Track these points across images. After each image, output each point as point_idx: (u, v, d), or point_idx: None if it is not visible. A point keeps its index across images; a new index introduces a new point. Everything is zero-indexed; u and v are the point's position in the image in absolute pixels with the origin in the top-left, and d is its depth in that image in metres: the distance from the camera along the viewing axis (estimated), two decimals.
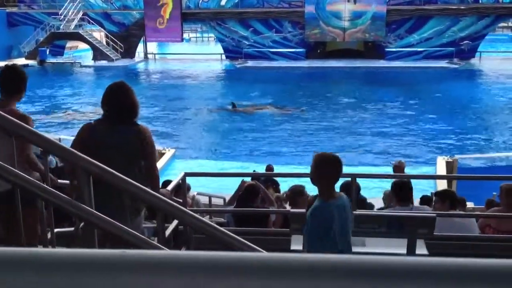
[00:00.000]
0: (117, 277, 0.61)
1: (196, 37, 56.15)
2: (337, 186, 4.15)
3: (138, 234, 2.11)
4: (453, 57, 33.41)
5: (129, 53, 37.23)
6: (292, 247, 4.73)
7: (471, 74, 31.15)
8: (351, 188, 5.70)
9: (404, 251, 4.57)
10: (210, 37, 49.01)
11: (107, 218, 2.06)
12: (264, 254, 0.65)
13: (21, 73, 3.93)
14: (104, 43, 37.28)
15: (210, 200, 8.94)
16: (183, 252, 0.64)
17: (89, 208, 2.07)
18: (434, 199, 6.57)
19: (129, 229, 2.12)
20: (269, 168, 9.86)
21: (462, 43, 33.53)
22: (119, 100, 3.65)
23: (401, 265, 0.64)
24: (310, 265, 0.64)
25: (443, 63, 32.79)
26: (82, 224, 2.17)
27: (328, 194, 3.43)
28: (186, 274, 0.61)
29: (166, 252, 0.66)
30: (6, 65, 4.00)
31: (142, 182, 2.68)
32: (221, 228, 2.28)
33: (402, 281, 0.61)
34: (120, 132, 3.60)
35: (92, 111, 21.32)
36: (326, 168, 3.43)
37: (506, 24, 47.31)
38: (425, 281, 0.61)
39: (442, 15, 33.49)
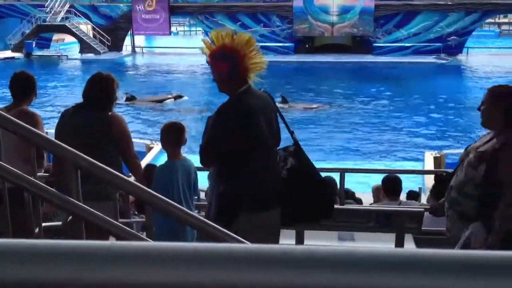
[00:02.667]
0: (106, 269, 0.60)
1: (184, 30, 55.93)
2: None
3: (128, 228, 2.10)
4: (440, 52, 33.62)
5: (116, 46, 36.99)
6: (281, 242, 4.73)
7: (458, 70, 31.39)
8: (341, 182, 5.72)
9: (393, 245, 4.58)
10: (198, 30, 48.86)
11: (95, 212, 2.04)
12: (250, 245, 0.64)
13: (29, 78, 4.14)
14: (91, 36, 37.02)
15: (198, 195, 8.91)
16: (170, 244, 0.63)
17: (77, 202, 2.05)
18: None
19: (117, 223, 2.10)
20: None
21: (449, 38, 33.75)
22: (96, 88, 3.86)
23: (385, 257, 0.63)
24: (296, 256, 0.63)
25: (430, 59, 32.98)
26: (70, 218, 2.15)
27: (173, 155, 3.99)
28: (173, 265, 0.60)
29: (154, 243, 0.65)
30: (15, 72, 4.22)
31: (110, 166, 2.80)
32: (207, 221, 2.27)
33: (387, 272, 0.61)
34: (87, 116, 3.76)
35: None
36: (171, 133, 3.99)
37: (493, 20, 47.64)
38: (406, 272, 0.61)
39: (430, 11, 33.67)
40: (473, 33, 34.95)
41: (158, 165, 4.18)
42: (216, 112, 3.15)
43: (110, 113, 3.82)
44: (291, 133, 3.47)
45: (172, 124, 4.15)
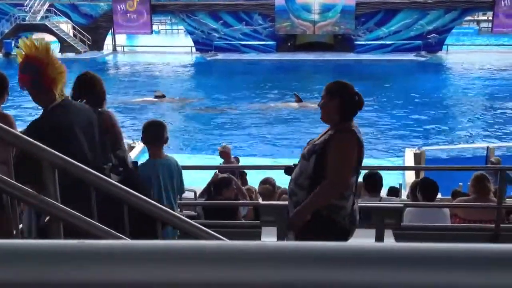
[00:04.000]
0: (75, 268, 0.60)
1: (166, 29, 55.61)
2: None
3: (107, 228, 2.09)
4: (420, 50, 33.89)
5: (97, 45, 36.67)
6: (263, 239, 4.75)
7: (438, 67, 31.67)
8: None
9: (373, 241, 4.63)
10: (180, 29, 48.65)
11: (73, 212, 2.03)
12: (224, 242, 0.65)
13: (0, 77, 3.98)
14: (72, 35, 36.65)
15: None
16: (141, 242, 0.63)
17: (55, 202, 2.04)
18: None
19: (97, 223, 2.10)
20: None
21: (429, 36, 34.04)
22: (82, 89, 3.84)
23: (362, 252, 0.64)
24: (274, 252, 0.64)
25: (411, 56, 33.24)
26: (47, 218, 2.14)
27: (154, 153, 3.96)
28: (144, 263, 0.61)
29: (123, 242, 0.65)
30: None
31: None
32: (189, 220, 2.28)
33: (364, 266, 0.62)
34: (85, 114, 3.68)
35: None
36: (152, 131, 3.98)
37: (472, 18, 48.15)
38: (382, 266, 0.62)
39: (410, 8, 33.92)
40: (453, 30, 35.29)
41: (139, 163, 4.16)
42: (26, 128, 3.01)
43: (100, 109, 3.83)
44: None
45: (153, 122, 4.16)
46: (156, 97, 22.43)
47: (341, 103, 3.31)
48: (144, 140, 4.09)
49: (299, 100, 21.20)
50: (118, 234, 2.12)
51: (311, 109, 20.55)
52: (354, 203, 3.44)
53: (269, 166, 9.41)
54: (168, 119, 20.07)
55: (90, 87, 3.88)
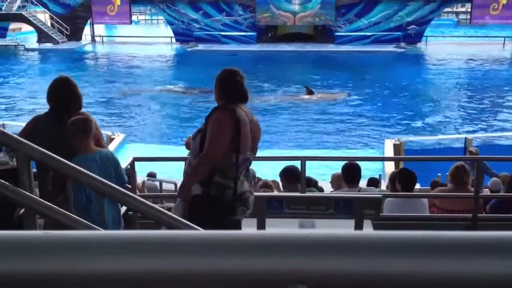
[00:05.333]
0: (40, 258, 0.59)
1: (145, 19, 55.10)
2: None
3: (82, 219, 2.07)
4: (400, 41, 34.10)
5: (75, 35, 36.20)
6: (243, 230, 4.75)
7: (417, 58, 31.92)
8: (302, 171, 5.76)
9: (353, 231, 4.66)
10: (160, 19, 48.24)
11: (48, 203, 2.00)
12: (198, 231, 0.64)
13: None
14: (49, 25, 36.11)
15: (161, 185, 8.85)
16: (109, 232, 0.62)
17: (30, 194, 2.01)
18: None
19: (72, 215, 2.07)
20: None
21: (409, 27, 34.25)
22: (63, 93, 3.92)
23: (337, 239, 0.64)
24: (251, 241, 0.64)
25: (390, 47, 33.43)
26: (22, 210, 2.11)
27: (85, 148, 3.89)
28: (110, 253, 0.60)
29: (90, 232, 0.64)
30: None
31: None
32: (168, 212, 2.26)
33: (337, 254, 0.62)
34: (65, 122, 3.81)
35: (36, 96, 20.70)
36: (80, 126, 3.88)
37: (451, 10, 48.54)
38: (359, 254, 0.62)
39: (390, 0, 34.06)
40: (432, 22, 35.55)
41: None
42: None
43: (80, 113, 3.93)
44: None
45: (78, 116, 4.03)
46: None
47: (221, 89, 3.73)
48: (71, 135, 3.95)
49: (310, 92, 21.16)
50: (95, 226, 2.10)
51: (323, 100, 20.60)
52: (245, 186, 3.69)
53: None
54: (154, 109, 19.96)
55: (70, 90, 3.96)
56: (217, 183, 3.57)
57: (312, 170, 8.24)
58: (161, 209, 2.43)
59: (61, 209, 2.04)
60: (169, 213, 2.28)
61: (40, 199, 2.02)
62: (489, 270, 0.61)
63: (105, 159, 3.97)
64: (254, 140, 3.79)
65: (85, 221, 2.07)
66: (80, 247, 0.61)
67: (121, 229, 3.94)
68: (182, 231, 0.70)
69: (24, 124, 4.15)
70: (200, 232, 0.70)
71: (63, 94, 3.92)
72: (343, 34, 34.72)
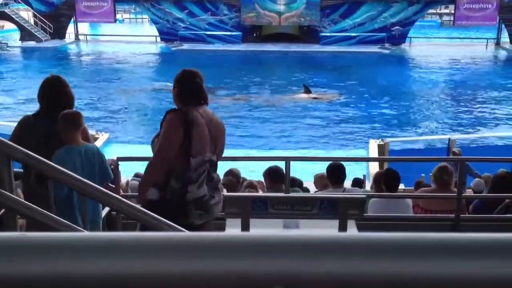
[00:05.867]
0: (16, 261, 0.57)
1: (130, 18, 54.76)
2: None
3: (64, 220, 2.04)
4: (384, 42, 34.31)
5: (59, 33, 35.86)
6: (227, 231, 4.73)
7: (401, 59, 32.16)
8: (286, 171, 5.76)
9: (336, 232, 4.66)
10: (144, 18, 47.98)
11: (29, 204, 1.98)
12: (179, 233, 0.63)
13: None
14: (32, 23, 35.73)
15: None
16: (88, 234, 0.61)
17: (10, 194, 1.98)
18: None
19: (54, 216, 2.04)
20: None
21: (393, 28, 34.48)
22: (55, 92, 3.94)
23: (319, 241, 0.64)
24: (232, 242, 0.63)
25: (375, 48, 33.63)
26: (2, 211, 2.08)
27: (72, 140, 3.89)
28: (88, 256, 0.59)
29: (69, 234, 0.63)
30: None
31: None
32: (150, 213, 2.24)
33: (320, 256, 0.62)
34: (57, 121, 3.84)
35: (18, 94, 20.48)
36: (70, 118, 3.91)
37: (434, 11, 48.94)
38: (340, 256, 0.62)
39: (374, 1, 34.27)
40: (416, 23, 35.82)
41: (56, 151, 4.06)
42: None
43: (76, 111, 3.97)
44: None
45: (70, 110, 4.07)
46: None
47: (179, 90, 3.70)
48: (60, 128, 3.97)
49: (308, 91, 21.07)
50: (76, 227, 2.07)
51: (321, 100, 20.61)
52: (203, 190, 3.70)
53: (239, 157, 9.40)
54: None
55: (62, 89, 3.98)
56: (172, 187, 3.59)
57: (297, 171, 8.26)
58: (142, 209, 2.41)
59: (43, 210, 2.02)
60: (152, 213, 2.26)
61: (21, 200, 1.99)
62: (467, 272, 0.61)
63: (90, 153, 3.98)
64: (214, 141, 3.76)
65: (66, 222, 2.04)
66: (58, 249, 0.59)
67: (100, 227, 3.91)
68: (162, 233, 0.68)
69: (7, 123, 4.20)
70: (181, 234, 0.69)
71: (55, 93, 3.92)
72: (328, 34, 34.84)
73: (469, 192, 7.42)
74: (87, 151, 3.97)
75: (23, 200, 2.00)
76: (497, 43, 36.17)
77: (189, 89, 3.69)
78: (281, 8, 34.61)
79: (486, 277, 0.60)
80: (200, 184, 3.68)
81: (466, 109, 20.64)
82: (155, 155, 3.60)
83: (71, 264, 0.58)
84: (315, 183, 7.55)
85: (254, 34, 35.68)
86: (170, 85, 3.98)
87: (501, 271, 0.60)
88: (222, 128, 3.89)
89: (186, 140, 3.55)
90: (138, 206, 2.61)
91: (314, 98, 20.87)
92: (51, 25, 35.37)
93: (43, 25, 35.33)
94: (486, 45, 36.03)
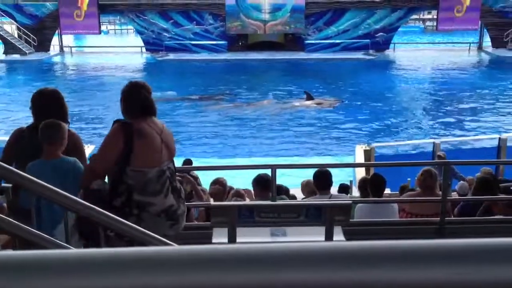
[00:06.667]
0: None
1: (115, 29, 54.67)
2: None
3: (44, 234, 2.03)
4: (369, 48, 34.54)
5: (43, 46, 35.66)
6: (214, 240, 4.72)
7: (385, 65, 32.37)
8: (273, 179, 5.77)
9: (323, 238, 4.68)
10: (130, 29, 47.91)
11: (7, 218, 1.97)
12: (166, 247, 0.64)
13: None
14: (16, 36, 35.51)
15: None
16: (58, 251, 0.61)
17: None
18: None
19: (33, 230, 2.03)
20: (188, 161, 9.76)
21: (377, 35, 34.75)
22: (47, 105, 3.92)
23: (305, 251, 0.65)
24: (221, 255, 0.64)
25: (359, 55, 33.84)
26: None
27: (48, 154, 3.83)
28: (58, 273, 0.59)
29: (34, 252, 0.63)
30: None
31: None
32: (132, 225, 2.24)
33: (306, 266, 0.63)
34: None
35: (5, 108, 20.30)
36: (45, 130, 3.84)
37: (417, 17, 49.42)
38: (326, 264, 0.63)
39: (357, 8, 34.52)
40: (399, 29, 36.13)
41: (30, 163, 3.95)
42: None
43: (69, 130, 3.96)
44: None
45: (48, 121, 3.99)
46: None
47: (126, 102, 3.73)
48: (40, 139, 3.90)
49: (310, 97, 21.21)
50: (62, 243, 2.07)
51: (324, 106, 20.67)
52: (170, 200, 3.74)
53: (223, 166, 9.39)
54: None
55: (54, 102, 3.97)
56: (136, 201, 3.61)
57: (286, 178, 8.27)
58: (115, 216, 2.39)
59: (20, 224, 2.01)
60: (121, 219, 2.26)
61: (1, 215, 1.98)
62: (439, 278, 0.62)
63: (65, 167, 3.88)
64: (169, 149, 3.84)
65: (52, 239, 2.03)
66: (25, 267, 0.60)
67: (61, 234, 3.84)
68: (130, 248, 0.69)
69: None
70: (168, 248, 0.69)
71: (47, 106, 3.90)
72: (313, 42, 35.02)
73: (454, 195, 7.47)
74: (62, 166, 3.86)
75: (3, 216, 1.99)
76: (479, 47, 36.60)
77: (136, 101, 3.72)
78: (266, 16, 34.75)
79: (460, 282, 0.62)
80: (165, 194, 3.71)
81: (450, 112, 20.81)
82: (91, 162, 3.76)
83: (36, 282, 0.59)
84: (302, 189, 7.57)
85: (240, 43, 35.75)
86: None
87: (473, 276, 0.61)
88: (172, 137, 3.98)
89: (126, 152, 3.59)
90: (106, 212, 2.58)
91: (318, 103, 21.02)
92: (35, 38, 35.18)
93: (27, 38, 35.14)
94: (469, 49, 36.44)
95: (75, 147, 3.94)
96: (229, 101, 22.48)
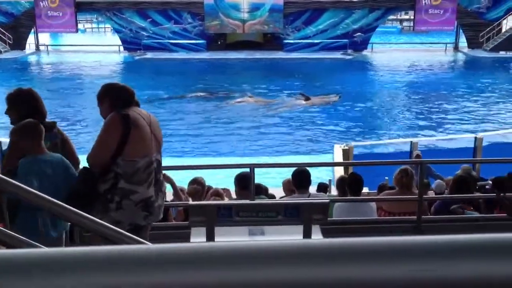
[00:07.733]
0: None
1: (92, 28, 54.11)
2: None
3: (20, 236, 2.01)
4: (347, 48, 34.78)
5: (19, 44, 35.15)
6: (192, 240, 4.71)
7: (363, 65, 32.63)
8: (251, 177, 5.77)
9: (301, 237, 4.69)
10: (107, 28, 47.47)
11: None
12: (139, 246, 0.63)
13: None
14: None
15: None
16: (37, 250, 0.61)
17: None
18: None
19: (8, 231, 2.00)
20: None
21: (355, 35, 35.00)
22: (26, 105, 3.99)
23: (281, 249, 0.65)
24: (196, 253, 0.63)
25: (338, 55, 34.06)
26: None
27: (36, 150, 3.85)
28: (39, 273, 0.58)
29: (25, 250, 0.62)
30: None
31: None
32: (108, 224, 2.22)
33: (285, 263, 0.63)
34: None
35: None
36: (27, 131, 3.86)
37: (395, 17, 49.87)
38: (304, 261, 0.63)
39: (336, 8, 34.72)
40: (377, 29, 36.44)
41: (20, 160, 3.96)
42: None
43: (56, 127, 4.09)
44: None
45: (29, 122, 3.99)
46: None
47: (111, 101, 3.74)
48: (20, 137, 3.91)
49: (307, 98, 21.54)
50: (34, 243, 2.04)
51: (321, 104, 20.88)
52: (151, 191, 3.78)
53: (201, 165, 9.36)
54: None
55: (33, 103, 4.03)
56: (121, 189, 3.64)
57: (265, 177, 8.28)
58: (98, 220, 2.37)
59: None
60: (106, 223, 2.24)
61: None
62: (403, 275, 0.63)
63: (55, 163, 3.93)
64: (157, 140, 3.88)
65: (27, 239, 2.00)
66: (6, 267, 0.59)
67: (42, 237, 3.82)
68: (120, 246, 0.68)
69: None
70: (143, 246, 0.69)
71: (23, 106, 3.94)
72: (292, 41, 35.13)
73: (431, 194, 7.56)
74: (53, 161, 3.92)
75: None
76: (456, 48, 37.10)
77: (121, 92, 3.82)
78: (245, 16, 34.75)
79: (429, 279, 0.62)
80: (149, 184, 3.73)
81: (427, 112, 21.05)
82: (90, 152, 3.74)
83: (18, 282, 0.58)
84: (283, 188, 7.60)
85: (219, 42, 35.69)
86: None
87: (446, 272, 0.62)
88: (159, 126, 3.99)
89: (121, 142, 3.62)
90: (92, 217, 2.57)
91: (322, 99, 21.51)
92: (11, 36, 34.67)
93: (2, 36, 34.60)
94: (445, 49, 36.91)
95: (66, 143, 4.09)
96: (208, 100, 22.43)
